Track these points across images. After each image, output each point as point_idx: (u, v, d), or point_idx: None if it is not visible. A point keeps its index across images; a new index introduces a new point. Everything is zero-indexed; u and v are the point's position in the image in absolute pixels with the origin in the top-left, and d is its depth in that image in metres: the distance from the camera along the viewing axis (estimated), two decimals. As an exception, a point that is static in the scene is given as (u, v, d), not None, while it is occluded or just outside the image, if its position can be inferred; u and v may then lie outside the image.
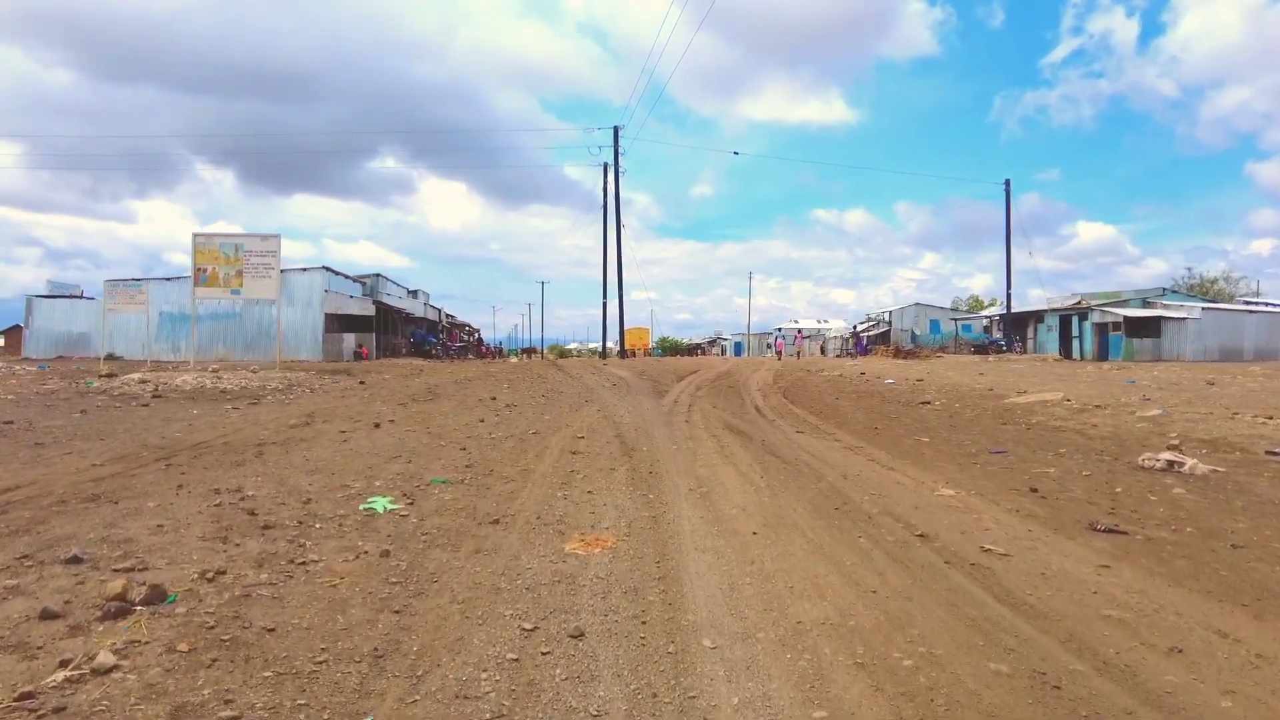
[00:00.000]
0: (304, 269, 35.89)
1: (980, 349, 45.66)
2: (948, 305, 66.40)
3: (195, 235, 24.23)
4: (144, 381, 16.31)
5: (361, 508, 5.47)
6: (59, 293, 37.75)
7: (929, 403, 14.28)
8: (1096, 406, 12.79)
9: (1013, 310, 45.51)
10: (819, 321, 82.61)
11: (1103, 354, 38.56)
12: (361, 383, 17.97)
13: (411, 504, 5.66)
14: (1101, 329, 39.29)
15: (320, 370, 23.78)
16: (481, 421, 10.63)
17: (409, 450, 8.08)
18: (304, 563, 4.19)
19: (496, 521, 5.17)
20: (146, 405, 12.91)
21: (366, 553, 4.41)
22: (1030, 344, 44.62)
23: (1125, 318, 38.08)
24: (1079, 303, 42.01)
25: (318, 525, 4.99)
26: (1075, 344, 40.78)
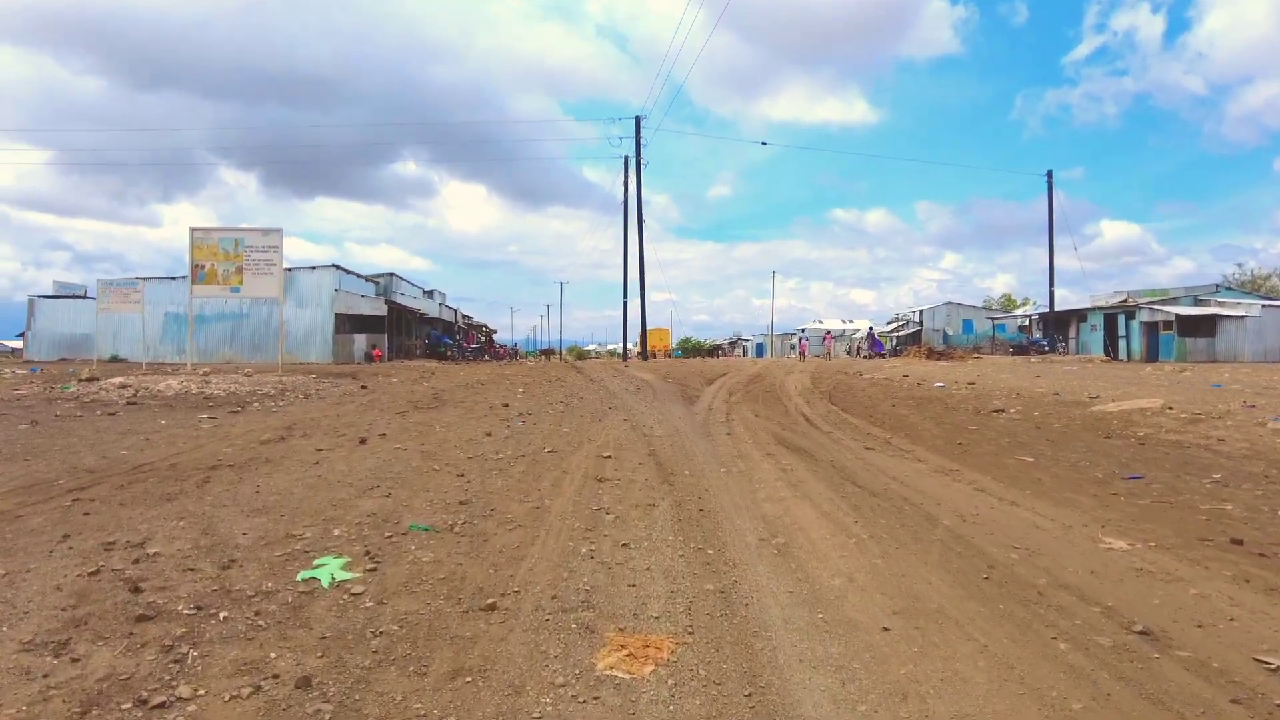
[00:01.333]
0: (313, 267, 34.47)
1: (1019, 349, 43.46)
2: (979, 304, 64.04)
3: (193, 230, 22.82)
4: (124, 386, 14.81)
5: (300, 577, 3.79)
6: (63, 293, 36.62)
7: (1002, 411, 12.43)
8: (1207, 416, 10.91)
9: (1049, 309, 43.29)
10: (844, 321, 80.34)
11: (1152, 354, 36.32)
12: (363, 387, 16.37)
13: (374, 569, 3.96)
14: (1150, 328, 37.03)
15: (324, 373, 22.25)
16: (489, 436, 8.94)
17: (393, 477, 6.39)
18: (162, 705, 2.50)
19: (491, 607, 3.45)
20: (113, 414, 11.35)
21: (276, 678, 2.72)
22: (1072, 344, 42.35)
23: (1177, 316, 35.80)
24: (1125, 301, 39.73)
25: (223, 615, 3.30)
26: (1122, 344, 38.52)
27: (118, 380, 15.61)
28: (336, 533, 4.62)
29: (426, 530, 4.70)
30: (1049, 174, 39.53)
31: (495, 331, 74.20)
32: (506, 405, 12.89)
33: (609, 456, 7.64)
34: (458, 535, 4.64)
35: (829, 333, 58.78)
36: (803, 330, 75.59)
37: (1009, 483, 6.76)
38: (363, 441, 8.28)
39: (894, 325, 65.33)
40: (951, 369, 26.46)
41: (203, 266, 22.68)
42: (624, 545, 4.51)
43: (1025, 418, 11.69)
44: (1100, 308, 40.75)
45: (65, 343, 34.65)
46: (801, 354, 48.90)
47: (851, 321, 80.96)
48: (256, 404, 12.95)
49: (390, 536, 4.57)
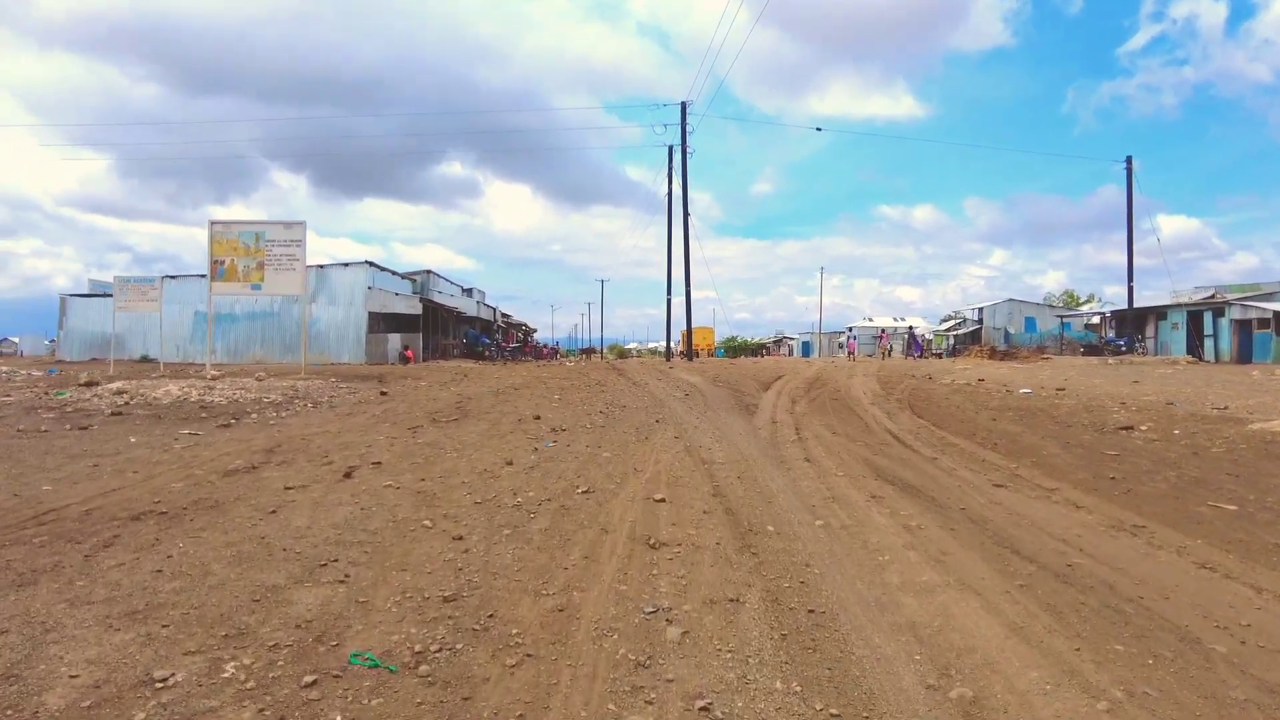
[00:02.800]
0: (346, 264, 33.18)
1: (1092, 349, 40.39)
2: (1040, 301, 60.58)
3: (212, 223, 21.51)
4: (120, 393, 13.39)
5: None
6: (95, 291, 35.94)
7: (1131, 429, 10.22)
8: None
9: (1127, 306, 40.13)
10: (895, 319, 77.17)
11: (1244, 355, 33.15)
12: (383, 393, 14.73)
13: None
14: (1243, 326, 33.83)
15: (350, 375, 20.72)
16: (509, 465, 7.10)
17: (363, 541, 4.58)
18: None
19: None
20: (85, 429, 9.83)
21: None
22: (1150, 344, 39.20)
23: (1275, 313, 32.61)
24: (1212, 296, 36.50)
25: None
26: (1209, 343, 35.35)
27: (115, 385, 14.21)
28: (228, 671, 2.81)
29: (375, 666, 2.86)
30: (1128, 160, 36.50)
31: (534, 330, 72.90)
32: (538, 418, 11.10)
33: (662, 500, 5.74)
34: (423, 681, 2.78)
35: (884, 331, 56.02)
36: (850, 329, 72.74)
37: (1236, 551, 4.70)
38: (348, 475, 6.51)
39: (950, 324, 62.23)
40: (1027, 371, 23.98)
41: (222, 262, 21.36)
42: (703, 710, 2.61)
43: (1165, 438, 9.50)
44: (1183, 304, 37.55)
45: (97, 342, 33.90)
46: (850, 353, 46.30)
47: (903, 319, 77.87)
48: (254, 415, 11.34)
49: (312, 684, 2.73)
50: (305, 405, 12.65)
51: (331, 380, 17.72)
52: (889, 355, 41.51)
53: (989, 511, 5.77)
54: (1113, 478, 7.09)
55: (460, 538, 4.62)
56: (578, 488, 6.05)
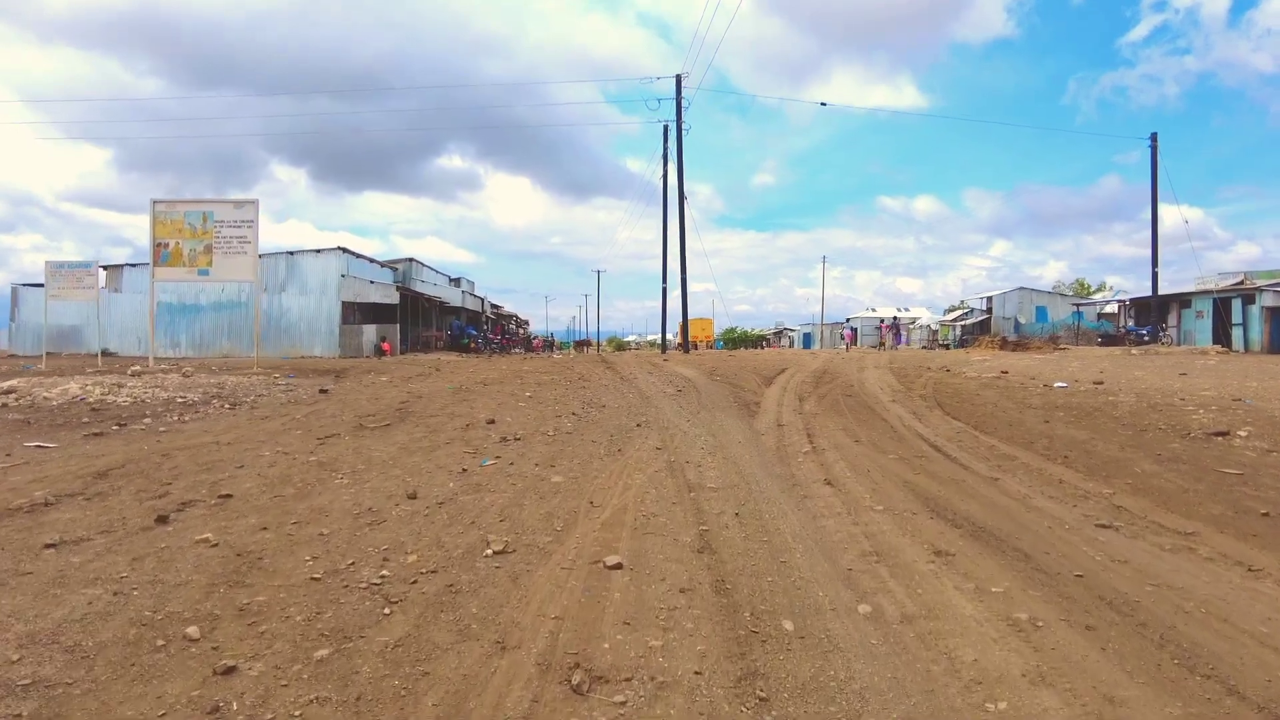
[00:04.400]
0: (318, 251, 30.95)
1: (1111, 339, 38.29)
2: (1049, 289, 58.39)
3: (154, 202, 19.38)
4: (9, 393, 11.32)
5: None
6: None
7: (1227, 434, 8.15)
8: None
9: (1142, 294, 38.03)
10: (900, 310, 74.91)
11: (1275, 344, 31.14)
12: (323, 391, 12.66)
13: None
14: (1275, 314, 31.80)
15: (310, 369, 18.59)
16: (410, 499, 5.02)
17: (46, 684, 2.52)
18: None
19: None
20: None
21: None
22: (1174, 333, 37.09)
23: (1311, 300, 30.56)
24: (1241, 283, 34.37)
25: None
26: (1237, 332, 33.27)
27: (7, 385, 12.13)
28: None
29: None
30: (1153, 138, 34.19)
31: (527, 323, 70.84)
32: (492, 422, 9.05)
33: (618, 566, 3.68)
34: None
35: (896, 320, 53.79)
36: (847, 320, 70.53)
37: None
38: (161, 520, 4.43)
39: (956, 314, 60.16)
40: (1051, 363, 21.83)
41: (166, 245, 19.26)
42: None
43: (1276, 446, 7.46)
44: (1210, 291, 35.42)
45: (52, 335, 31.69)
46: (848, 344, 44.10)
47: (907, 310, 75.72)
48: (149, 420, 9.28)
49: None
50: (221, 407, 10.58)
51: (276, 376, 15.63)
52: (887, 347, 39.41)
53: (1121, 581, 3.71)
54: (1265, 514, 5.03)
55: (231, 669, 2.55)
56: (491, 544, 3.98)
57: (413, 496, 5.01)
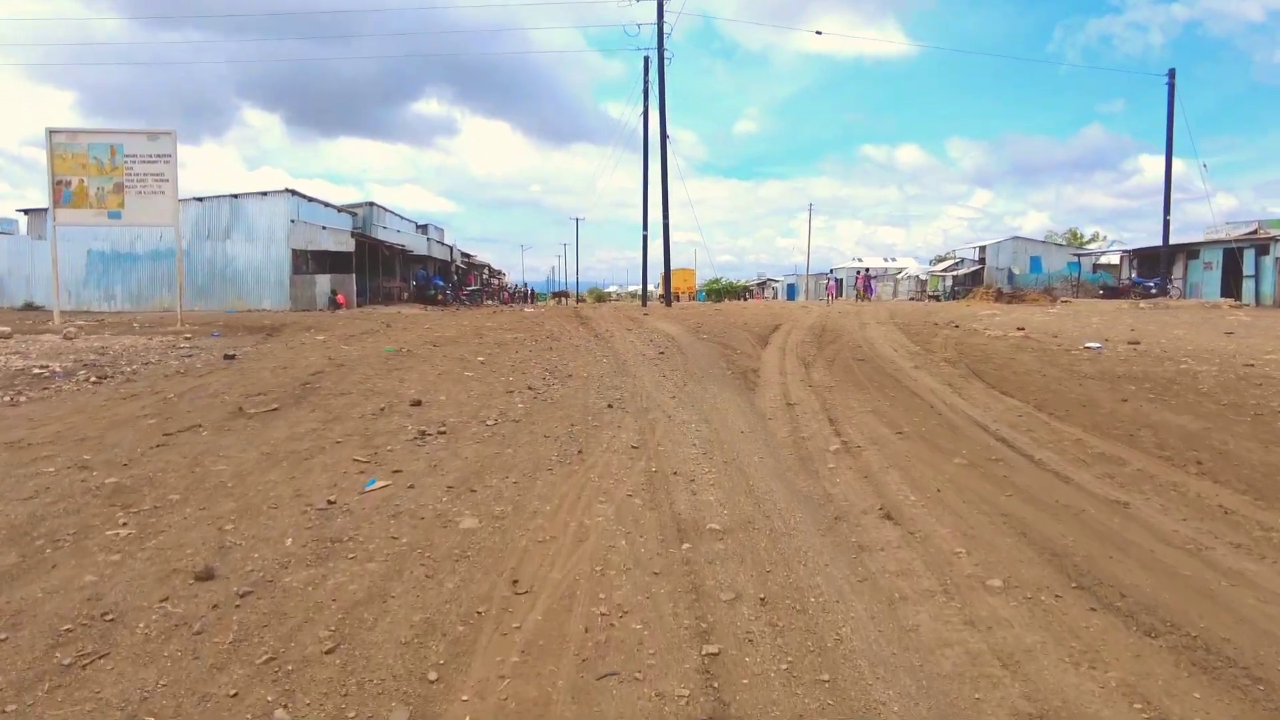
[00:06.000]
0: (264, 193, 28.10)
1: (1114, 291, 36.50)
2: (1043, 239, 56.45)
3: (51, 132, 16.68)
4: None
5: None
6: (-27, 226, 30.74)
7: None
8: None
9: (1143, 244, 36.20)
10: (886, 260, 72.85)
11: (1289, 297, 29.51)
12: (230, 357, 10.42)
13: None
14: (1290, 265, 30.09)
15: (237, 326, 16.21)
16: (201, 582, 2.94)
17: None
18: None
19: None
20: None
21: None
22: (1180, 284, 35.37)
23: (1328, 250, 28.82)
24: (1254, 232, 32.56)
25: None
26: (1248, 285, 31.55)
27: None
28: None
29: None
30: (1170, 73, 31.95)
31: (503, 273, 68.09)
32: (418, 403, 6.95)
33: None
34: None
35: (858, 273, 51.93)
36: (831, 270, 68.40)
37: None
38: None
39: (946, 264, 58.14)
40: (1064, 319, 19.85)
41: (68, 183, 16.62)
42: None
43: None
44: (1219, 241, 33.63)
45: (-27, 287, 28.97)
46: (830, 296, 42.08)
47: (894, 260, 73.71)
48: (-32, 400, 7.06)
49: None
50: (85, 381, 8.36)
51: (187, 337, 13.31)
52: (872, 299, 37.38)
53: None
54: None
55: None
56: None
57: (205, 577, 2.90)
